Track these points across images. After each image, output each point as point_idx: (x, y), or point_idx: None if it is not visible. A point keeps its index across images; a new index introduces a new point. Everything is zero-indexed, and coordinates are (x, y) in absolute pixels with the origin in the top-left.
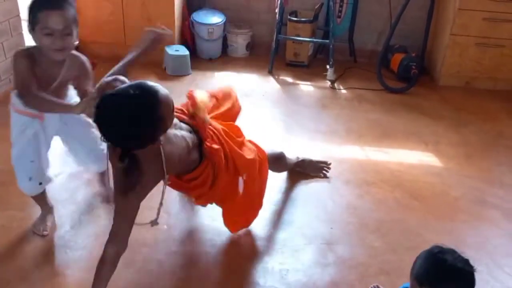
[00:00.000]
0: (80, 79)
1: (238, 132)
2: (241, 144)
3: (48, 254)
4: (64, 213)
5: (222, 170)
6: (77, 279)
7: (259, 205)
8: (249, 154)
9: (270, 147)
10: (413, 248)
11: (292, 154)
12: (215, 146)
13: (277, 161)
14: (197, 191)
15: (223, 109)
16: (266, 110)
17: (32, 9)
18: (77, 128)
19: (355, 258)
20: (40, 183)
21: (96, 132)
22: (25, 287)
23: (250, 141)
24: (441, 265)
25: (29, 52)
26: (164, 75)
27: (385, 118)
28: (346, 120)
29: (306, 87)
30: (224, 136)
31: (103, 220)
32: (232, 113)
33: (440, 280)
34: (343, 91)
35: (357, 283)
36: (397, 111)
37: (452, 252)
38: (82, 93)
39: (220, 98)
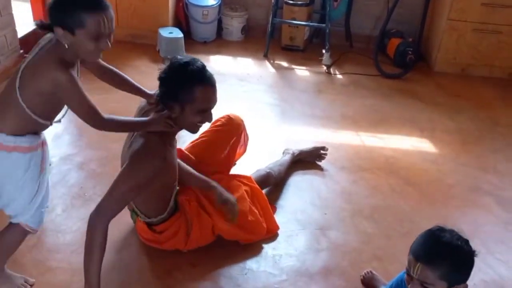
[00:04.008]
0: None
1: (218, 180)
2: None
3: (39, 238)
4: (55, 196)
5: (195, 221)
6: (69, 262)
7: (272, 223)
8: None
9: (255, 170)
10: (407, 234)
11: (287, 147)
12: (187, 197)
13: (266, 181)
14: (170, 243)
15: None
16: (261, 95)
17: (74, 10)
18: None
19: (349, 244)
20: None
21: None
22: (17, 271)
23: (233, 177)
24: (437, 241)
25: (63, 60)
26: (157, 57)
27: (381, 104)
28: (341, 105)
29: (301, 71)
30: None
31: (95, 203)
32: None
33: (434, 255)
34: (339, 76)
35: (350, 268)
36: (393, 97)
37: (452, 231)
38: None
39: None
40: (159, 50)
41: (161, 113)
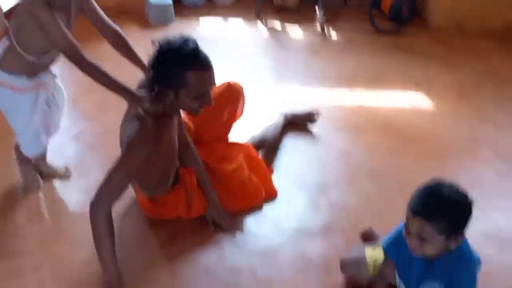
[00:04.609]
0: (89, 9)
1: (217, 149)
2: (222, 159)
3: (39, 210)
4: None
5: (196, 193)
6: (70, 233)
7: (271, 188)
8: (229, 164)
9: (250, 136)
10: (405, 190)
11: (283, 110)
12: (188, 169)
13: (262, 147)
14: (172, 214)
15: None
16: (254, 57)
17: None
18: (60, 96)
19: (347, 203)
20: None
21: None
22: (18, 243)
23: (231, 145)
24: (435, 196)
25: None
26: (146, 24)
27: (377, 61)
28: (337, 64)
29: (295, 32)
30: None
31: (93, 174)
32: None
33: (433, 211)
34: (334, 34)
35: (350, 226)
36: (388, 53)
37: (450, 185)
38: (101, 27)
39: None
40: (147, 16)
41: (143, 98)
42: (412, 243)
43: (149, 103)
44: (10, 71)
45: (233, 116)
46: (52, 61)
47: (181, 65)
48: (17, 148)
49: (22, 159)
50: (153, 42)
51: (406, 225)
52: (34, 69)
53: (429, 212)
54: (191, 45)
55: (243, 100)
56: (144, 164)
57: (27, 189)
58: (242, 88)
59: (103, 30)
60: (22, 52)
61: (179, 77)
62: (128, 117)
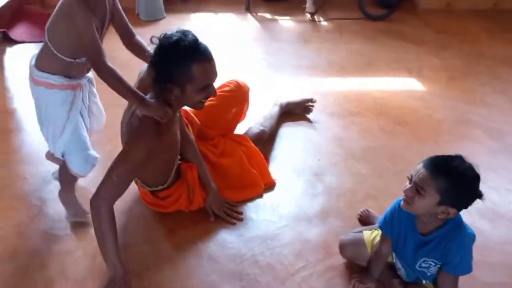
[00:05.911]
0: (116, 13)
1: (217, 143)
2: (222, 153)
3: (40, 208)
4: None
5: (197, 187)
6: (73, 229)
7: (268, 178)
8: (229, 158)
9: (248, 127)
10: (399, 171)
11: (275, 100)
12: (189, 164)
13: (261, 139)
14: (173, 207)
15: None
16: (247, 50)
17: None
18: (95, 101)
19: (343, 186)
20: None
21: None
22: (24, 243)
23: (229, 137)
24: (449, 161)
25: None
26: (137, 21)
27: (367, 48)
28: (328, 52)
29: (285, 22)
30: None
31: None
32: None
33: (441, 169)
34: (324, 23)
35: (346, 209)
36: (378, 39)
37: (465, 161)
38: (125, 33)
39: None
40: (138, 13)
41: (162, 106)
42: (408, 192)
43: (155, 103)
44: (46, 69)
45: (239, 116)
46: (87, 64)
47: (184, 59)
48: (60, 171)
49: (67, 182)
50: (152, 39)
51: (410, 177)
52: (70, 70)
53: (437, 167)
54: (190, 37)
55: (248, 103)
56: (146, 159)
57: (77, 217)
58: (249, 88)
59: (128, 42)
60: (56, 52)
61: (184, 72)
62: (129, 113)
